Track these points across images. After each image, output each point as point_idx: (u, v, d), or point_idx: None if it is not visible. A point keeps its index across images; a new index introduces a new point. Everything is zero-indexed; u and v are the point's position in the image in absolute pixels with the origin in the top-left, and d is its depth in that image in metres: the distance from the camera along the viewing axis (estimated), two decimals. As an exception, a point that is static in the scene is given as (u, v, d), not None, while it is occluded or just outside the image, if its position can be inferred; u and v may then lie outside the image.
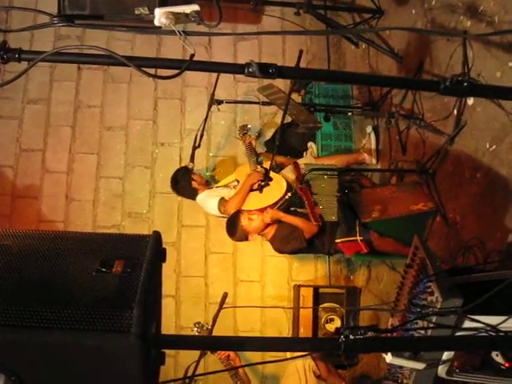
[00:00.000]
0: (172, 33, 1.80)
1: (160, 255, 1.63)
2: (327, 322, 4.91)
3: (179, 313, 5.20)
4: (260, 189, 4.40)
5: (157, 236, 1.63)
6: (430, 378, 2.17)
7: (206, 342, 1.91)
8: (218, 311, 4.00)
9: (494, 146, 3.15)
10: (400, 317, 2.38)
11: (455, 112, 3.51)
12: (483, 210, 3.26)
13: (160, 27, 1.82)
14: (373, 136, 4.82)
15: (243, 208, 4.37)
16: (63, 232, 1.71)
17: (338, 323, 4.89)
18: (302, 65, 4.23)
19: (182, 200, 5.33)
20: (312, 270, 5.33)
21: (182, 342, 1.70)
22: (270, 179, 4.41)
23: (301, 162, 4.56)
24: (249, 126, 4.87)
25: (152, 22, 1.84)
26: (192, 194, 4.85)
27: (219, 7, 1.79)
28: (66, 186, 5.46)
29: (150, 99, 5.73)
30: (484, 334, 1.84)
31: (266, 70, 1.87)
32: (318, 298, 4.99)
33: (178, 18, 1.82)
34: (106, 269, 1.48)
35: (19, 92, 5.60)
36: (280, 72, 1.91)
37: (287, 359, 3.56)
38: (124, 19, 2.12)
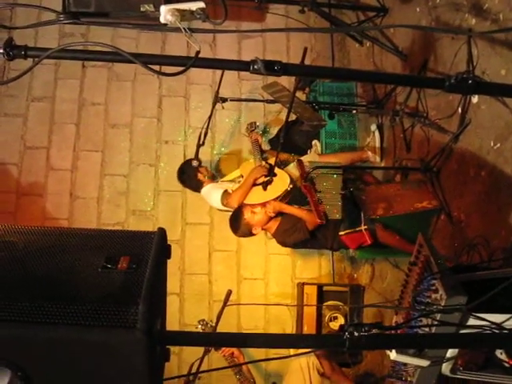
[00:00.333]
0: (177, 30, 1.80)
1: (165, 251, 1.63)
2: (331, 320, 4.92)
3: (183, 310, 5.21)
4: (264, 185, 4.41)
5: (162, 232, 1.64)
6: (434, 376, 2.18)
7: (211, 339, 1.91)
8: (222, 308, 4.01)
9: (499, 144, 3.14)
10: (404, 315, 2.38)
11: (460, 110, 3.50)
12: (488, 208, 3.25)
13: (165, 24, 1.82)
14: (377, 134, 4.82)
15: (246, 202, 4.39)
16: (68, 228, 1.72)
17: (341, 321, 4.89)
18: (307, 63, 4.23)
19: (187, 198, 5.34)
20: (316, 268, 5.33)
21: (186, 338, 1.71)
22: (275, 175, 4.43)
23: (305, 159, 4.55)
24: (257, 124, 4.88)
25: (157, 19, 1.84)
26: (197, 186, 4.86)
27: (225, 5, 1.79)
28: (71, 183, 5.47)
29: (155, 97, 5.74)
30: (488, 332, 1.84)
31: (271, 67, 1.87)
32: (321, 295, 5.01)
33: (183, 15, 1.82)
34: (111, 265, 1.49)
35: (24, 90, 5.61)
36: (285, 69, 1.90)
37: (291, 356, 3.56)
38: (129, 16, 2.12)
